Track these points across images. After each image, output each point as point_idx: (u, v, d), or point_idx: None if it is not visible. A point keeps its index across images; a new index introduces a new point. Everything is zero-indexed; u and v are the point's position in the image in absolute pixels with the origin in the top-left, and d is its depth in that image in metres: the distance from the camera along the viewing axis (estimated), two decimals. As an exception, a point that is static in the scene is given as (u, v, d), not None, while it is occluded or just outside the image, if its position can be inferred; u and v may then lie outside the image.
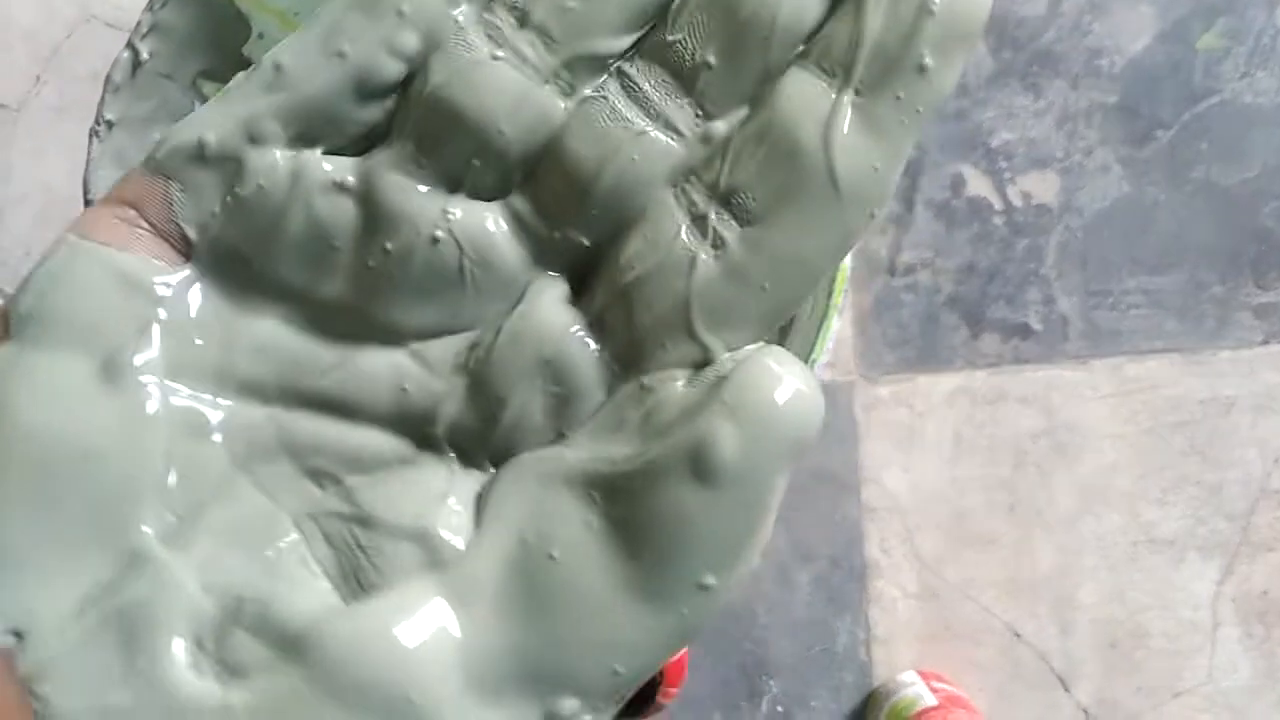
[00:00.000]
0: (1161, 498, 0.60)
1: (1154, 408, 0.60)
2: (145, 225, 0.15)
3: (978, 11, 0.14)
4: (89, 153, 0.31)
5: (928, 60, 0.14)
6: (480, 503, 0.15)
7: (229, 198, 0.15)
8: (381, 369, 0.15)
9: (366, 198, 0.15)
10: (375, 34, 0.15)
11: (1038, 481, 0.59)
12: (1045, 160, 0.60)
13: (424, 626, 0.14)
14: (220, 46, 0.35)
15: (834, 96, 0.14)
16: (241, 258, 0.15)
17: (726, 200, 0.15)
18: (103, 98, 0.32)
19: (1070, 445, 0.59)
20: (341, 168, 0.15)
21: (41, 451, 0.14)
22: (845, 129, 0.14)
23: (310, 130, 0.15)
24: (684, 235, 0.15)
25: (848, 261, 0.38)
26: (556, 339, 0.15)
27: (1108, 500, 0.59)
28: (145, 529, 0.14)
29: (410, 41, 0.15)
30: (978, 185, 0.60)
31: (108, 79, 0.32)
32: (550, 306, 0.15)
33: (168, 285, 0.15)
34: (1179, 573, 0.59)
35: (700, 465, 0.14)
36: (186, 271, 0.15)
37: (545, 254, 0.15)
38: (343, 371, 0.15)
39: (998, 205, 0.60)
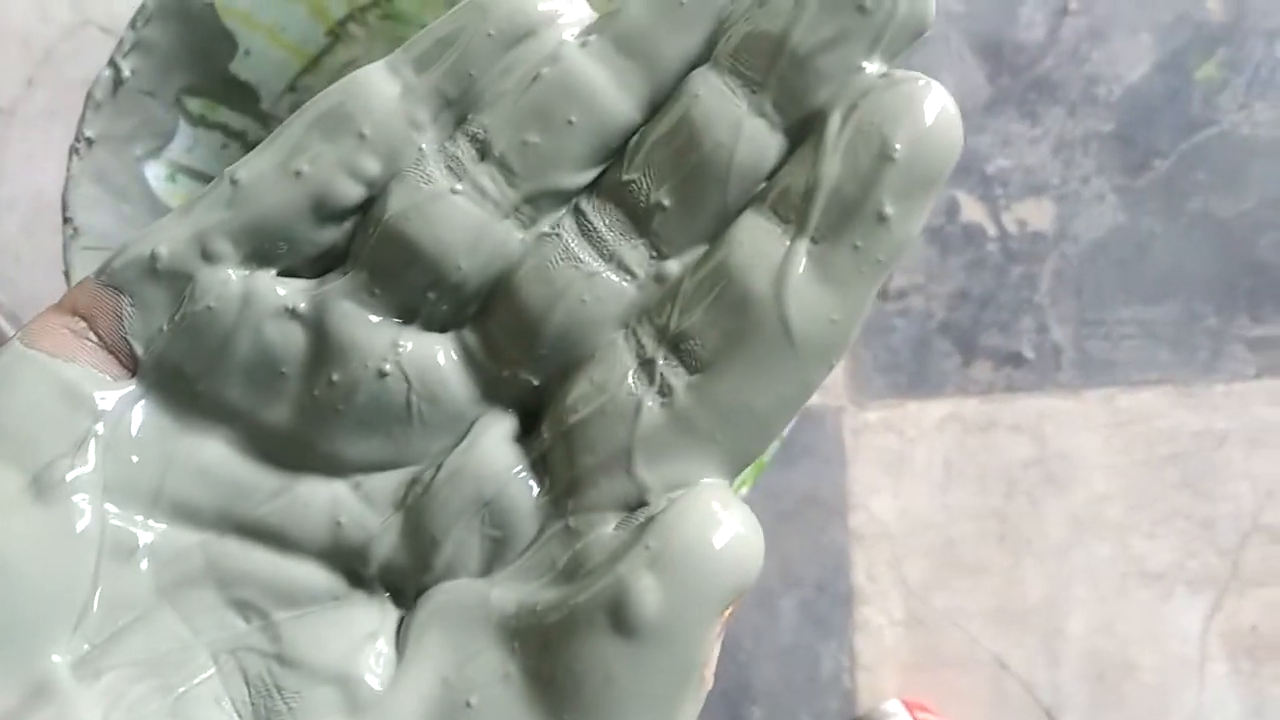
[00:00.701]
0: (1152, 530, 0.59)
1: (1146, 439, 0.59)
2: (94, 337, 0.15)
3: (943, 159, 0.13)
4: (68, 170, 0.31)
5: (888, 209, 0.13)
6: (401, 634, 0.14)
7: (178, 316, 0.15)
8: (320, 500, 0.15)
9: (317, 326, 0.15)
10: (334, 155, 0.14)
11: (1028, 511, 0.59)
12: (1041, 188, 0.60)
13: None
14: (205, 63, 0.34)
15: (788, 244, 0.14)
16: (186, 377, 0.15)
17: (676, 345, 0.14)
18: (83, 115, 0.32)
19: (1061, 475, 0.59)
20: (295, 293, 0.15)
21: None
22: (799, 278, 0.13)
23: (264, 249, 0.15)
24: (630, 380, 0.14)
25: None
26: (498, 479, 0.14)
27: (1098, 532, 0.59)
28: (56, 657, 0.13)
29: (370, 166, 0.14)
30: (972, 211, 0.60)
31: (89, 96, 0.32)
32: (494, 445, 0.15)
33: (110, 400, 0.14)
34: (1168, 606, 0.59)
35: (620, 618, 0.13)
36: (131, 387, 0.15)
37: (495, 390, 0.15)
38: (281, 500, 0.15)
39: (992, 232, 0.60)
